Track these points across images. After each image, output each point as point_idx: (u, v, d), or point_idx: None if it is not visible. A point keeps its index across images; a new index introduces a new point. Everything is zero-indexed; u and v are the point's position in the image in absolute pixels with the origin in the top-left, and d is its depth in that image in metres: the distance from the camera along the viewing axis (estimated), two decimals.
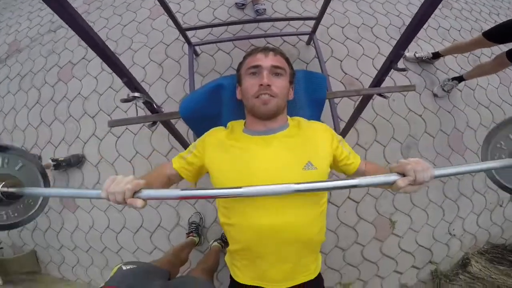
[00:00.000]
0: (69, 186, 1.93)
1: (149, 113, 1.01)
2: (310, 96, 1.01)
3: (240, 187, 0.59)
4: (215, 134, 0.89)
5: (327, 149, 0.84)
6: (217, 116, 1.01)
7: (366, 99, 1.14)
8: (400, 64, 0.97)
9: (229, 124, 0.93)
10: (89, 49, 2.21)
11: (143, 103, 0.92)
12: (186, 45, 2.08)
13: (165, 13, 1.56)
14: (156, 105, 0.97)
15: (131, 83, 0.86)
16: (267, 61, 0.83)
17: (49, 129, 2.06)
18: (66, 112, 2.09)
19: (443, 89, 2.07)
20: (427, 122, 2.01)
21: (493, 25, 1.77)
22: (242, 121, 0.94)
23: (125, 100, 0.84)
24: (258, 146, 0.81)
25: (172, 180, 0.88)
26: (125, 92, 0.88)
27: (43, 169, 0.74)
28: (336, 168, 0.91)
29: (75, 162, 1.91)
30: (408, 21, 0.81)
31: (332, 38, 2.23)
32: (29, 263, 1.87)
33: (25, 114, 2.14)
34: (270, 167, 0.77)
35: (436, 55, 2.13)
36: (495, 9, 2.92)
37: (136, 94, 0.86)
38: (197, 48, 2.09)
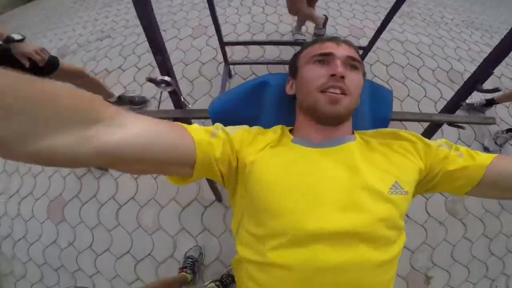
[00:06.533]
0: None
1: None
2: (373, 110, 0.79)
3: None
4: (257, 131, 0.64)
5: (415, 162, 0.57)
6: (253, 120, 0.78)
7: (432, 128, 0.93)
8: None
9: (276, 128, 0.67)
10: (126, 61, 2.26)
11: (169, 92, 0.78)
12: (221, 66, 2.07)
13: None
14: (183, 98, 0.81)
15: (165, 64, 0.72)
16: (340, 50, 0.61)
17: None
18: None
19: (495, 142, 1.85)
20: None
21: None
22: (287, 128, 0.68)
23: (150, 80, 0.69)
24: (320, 161, 0.56)
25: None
26: None
27: None
28: (426, 184, 0.59)
29: (140, 101, 2.01)
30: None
31: (375, 75, 2.12)
32: None
33: None
34: (343, 192, 0.52)
35: (490, 102, 1.93)
36: None
37: (166, 78, 0.72)
38: (231, 69, 2.07)
